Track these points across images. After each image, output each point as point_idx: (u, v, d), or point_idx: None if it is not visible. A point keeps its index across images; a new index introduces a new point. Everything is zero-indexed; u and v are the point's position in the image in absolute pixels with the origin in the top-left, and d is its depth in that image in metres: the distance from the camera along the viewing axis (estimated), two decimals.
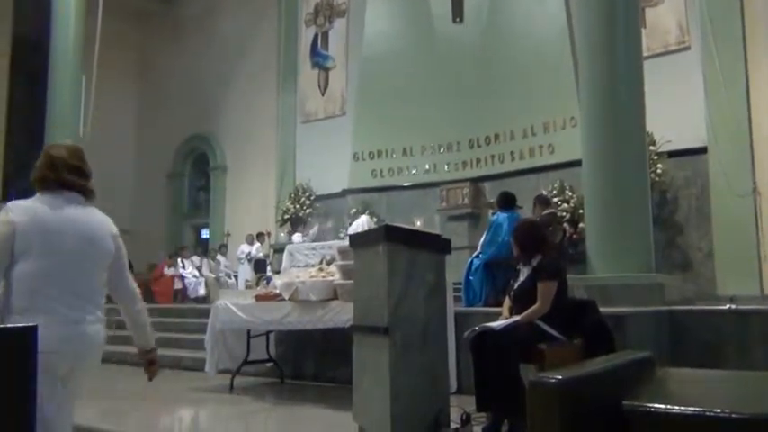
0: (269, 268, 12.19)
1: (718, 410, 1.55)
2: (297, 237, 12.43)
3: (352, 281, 4.71)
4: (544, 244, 4.32)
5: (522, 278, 4.16)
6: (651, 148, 8.42)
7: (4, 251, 2.25)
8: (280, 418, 5.07)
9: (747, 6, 9.34)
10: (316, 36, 14.49)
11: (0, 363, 1.71)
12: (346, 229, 11.71)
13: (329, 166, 13.29)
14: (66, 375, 2.31)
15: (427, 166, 12.58)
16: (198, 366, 6.72)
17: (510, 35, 11.63)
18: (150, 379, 2.62)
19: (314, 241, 11.43)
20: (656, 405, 1.66)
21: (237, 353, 6.17)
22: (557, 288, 3.97)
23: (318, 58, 14.38)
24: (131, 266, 2.78)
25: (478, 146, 12.07)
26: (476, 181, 11.68)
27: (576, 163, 7.19)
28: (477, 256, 6.87)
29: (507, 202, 7.04)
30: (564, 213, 9.34)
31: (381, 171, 12.93)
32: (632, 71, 6.10)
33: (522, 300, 4.05)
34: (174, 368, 7.45)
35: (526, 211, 7.93)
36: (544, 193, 9.51)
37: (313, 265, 6.33)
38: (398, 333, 3.74)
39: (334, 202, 13.41)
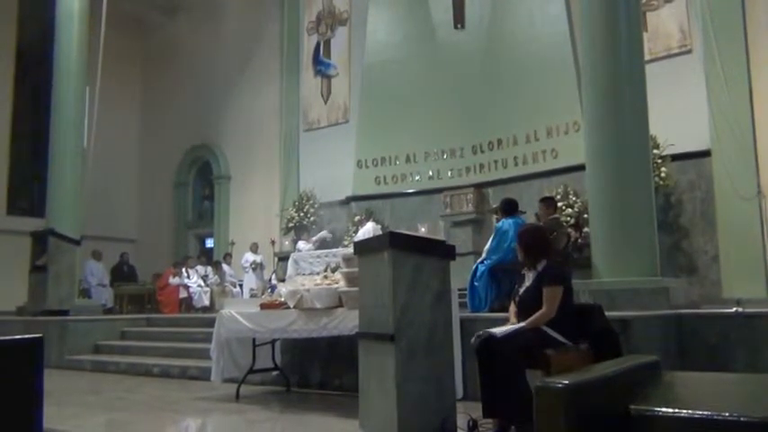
0: (273, 276, 12.19)
1: (727, 414, 1.54)
2: (302, 244, 12.42)
3: (356, 288, 4.71)
4: (549, 248, 4.31)
5: (527, 283, 4.15)
6: (654, 151, 8.40)
7: None
8: (286, 426, 5.06)
9: (749, 9, 9.33)
10: (318, 44, 14.55)
11: (10, 371, 1.72)
12: (351, 237, 11.71)
13: (333, 173, 13.31)
14: None
15: (431, 173, 12.56)
16: (204, 376, 6.73)
17: (512, 40, 11.64)
18: None
19: (321, 245, 11.40)
20: (664, 409, 1.65)
21: (243, 362, 6.16)
22: (562, 293, 3.96)
23: (321, 66, 14.44)
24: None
25: (482, 151, 12.05)
26: (479, 186, 11.67)
27: (580, 167, 7.18)
28: (482, 262, 6.86)
29: (510, 208, 7.03)
30: (568, 218, 9.32)
31: (385, 178, 12.93)
32: (635, 75, 6.10)
33: (528, 305, 4.03)
34: (181, 378, 7.47)
35: (530, 216, 7.92)
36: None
37: (317, 273, 6.32)
38: (404, 340, 3.74)
39: (338, 209, 13.42)
